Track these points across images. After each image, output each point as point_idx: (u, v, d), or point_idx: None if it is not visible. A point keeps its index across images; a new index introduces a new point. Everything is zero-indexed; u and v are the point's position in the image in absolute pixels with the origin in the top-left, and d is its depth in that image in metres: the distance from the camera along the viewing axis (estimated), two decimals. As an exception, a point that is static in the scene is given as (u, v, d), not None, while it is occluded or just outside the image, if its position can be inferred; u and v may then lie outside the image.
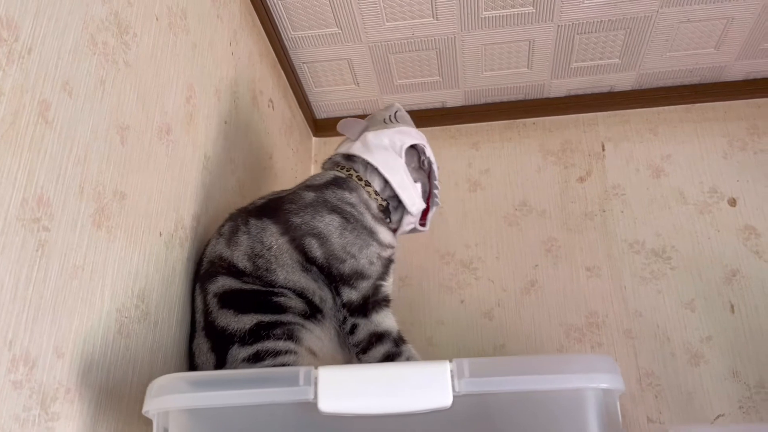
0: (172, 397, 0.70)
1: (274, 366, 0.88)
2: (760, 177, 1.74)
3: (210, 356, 0.94)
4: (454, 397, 0.68)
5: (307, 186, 1.08)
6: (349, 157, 1.08)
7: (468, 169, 1.88)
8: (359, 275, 0.97)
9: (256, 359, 0.89)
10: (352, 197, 1.03)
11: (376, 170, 1.05)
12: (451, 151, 1.92)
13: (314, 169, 1.95)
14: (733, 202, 1.73)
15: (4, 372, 0.65)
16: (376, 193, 1.05)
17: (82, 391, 0.77)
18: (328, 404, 0.67)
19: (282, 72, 1.70)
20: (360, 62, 1.75)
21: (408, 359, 0.93)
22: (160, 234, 0.99)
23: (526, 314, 1.69)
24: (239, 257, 1.01)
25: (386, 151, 1.04)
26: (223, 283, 0.99)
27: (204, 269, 1.04)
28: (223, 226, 1.09)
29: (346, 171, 1.07)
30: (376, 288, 0.98)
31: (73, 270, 0.77)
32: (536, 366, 0.70)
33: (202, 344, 0.97)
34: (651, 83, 1.86)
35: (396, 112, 1.13)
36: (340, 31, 1.64)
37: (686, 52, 1.74)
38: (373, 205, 1.05)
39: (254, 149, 1.45)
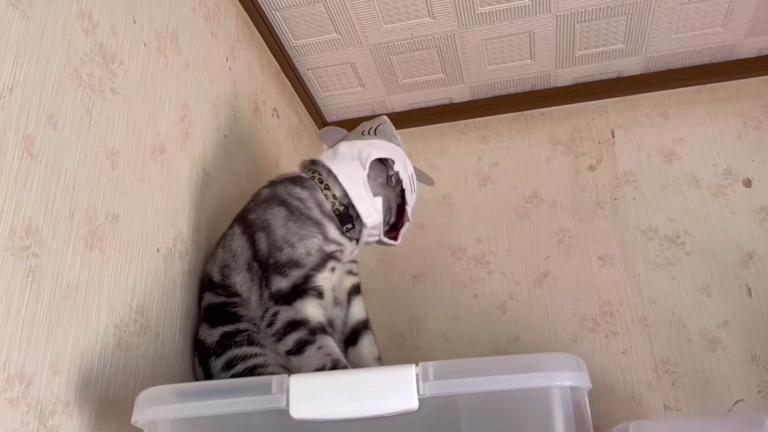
0: (158, 408, 0.75)
1: (245, 369, 0.94)
2: (775, 155, 1.70)
3: (199, 370, 1.02)
4: (420, 399, 0.71)
5: (267, 183, 1.11)
6: (315, 162, 1.11)
7: (477, 163, 1.89)
8: (294, 264, 0.98)
9: (229, 367, 0.96)
10: (303, 193, 1.05)
11: (336, 178, 1.05)
12: (460, 146, 1.93)
13: (327, 172, 1.98)
14: (748, 183, 1.69)
15: (-1, 391, 0.70)
16: (334, 197, 1.05)
17: (81, 404, 0.82)
18: (299, 411, 0.71)
19: (287, 80, 1.74)
20: (363, 65, 1.78)
21: (320, 348, 0.91)
22: (158, 250, 1.04)
23: (540, 306, 1.69)
24: (215, 271, 1.08)
25: (351, 162, 1.04)
26: (208, 298, 1.08)
27: (200, 287, 1.12)
28: None
29: (311, 173, 1.09)
30: (307, 277, 0.98)
31: (67, 291, 0.82)
32: (501, 366, 0.72)
33: (196, 358, 1.05)
34: (659, 66, 1.83)
35: (378, 125, 1.12)
36: (339, 37, 1.67)
37: (692, 33, 1.70)
38: (327, 206, 1.05)
39: (258, 159, 1.50)
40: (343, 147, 1.07)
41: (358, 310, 1.08)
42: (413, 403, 0.70)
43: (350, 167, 1.04)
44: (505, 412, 0.74)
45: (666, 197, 1.73)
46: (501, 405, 0.73)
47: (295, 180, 1.07)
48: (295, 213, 1.02)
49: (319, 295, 0.99)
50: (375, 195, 1.05)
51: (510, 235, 1.79)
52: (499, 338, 1.68)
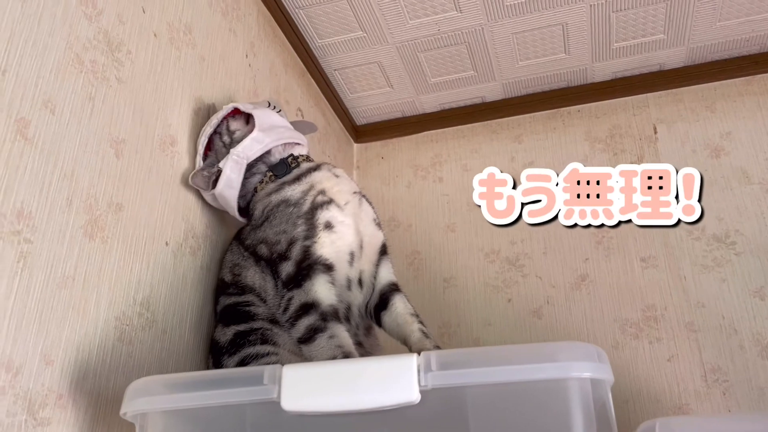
0: (146, 399, 0.71)
1: (258, 368, 0.90)
2: (834, 148, 1.58)
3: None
4: (422, 391, 0.65)
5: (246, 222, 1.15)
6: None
7: (511, 163, 1.82)
8: (290, 242, 0.99)
9: (242, 366, 0.92)
10: (258, 207, 1.08)
11: (241, 183, 1.09)
12: (492, 146, 1.86)
13: (356, 175, 1.95)
14: (804, 178, 1.57)
15: (-16, 379, 0.68)
16: (264, 181, 1.09)
17: (76, 397, 0.79)
18: (291, 403, 0.66)
19: (312, 81, 1.71)
20: (390, 64, 1.74)
21: (331, 338, 0.88)
22: (167, 243, 1.01)
23: (578, 311, 1.60)
24: (226, 272, 1.08)
25: (225, 180, 1.07)
26: (222, 301, 1.06)
27: (215, 293, 1.11)
28: None
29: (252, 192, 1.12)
30: (306, 250, 0.97)
31: (62, 280, 0.79)
32: (512, 356, 0.66)
33: (210, 359, 1.02)
34: (704, 57, 1.73)
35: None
36: (365, 35, 1.63)
37: (738, 20, 1.60)
38: (271, 186, 1.08)
39: (281, 158, 1.46)
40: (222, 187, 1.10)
41: (386, 273, 1.07)
42: (414, 396, 0.64)
43: (228, 179, 1.08)
44: (517, 407, 0.67)
45: (714, 194, 1.62)
46: (513, 399, 0.67)
47: (248, 211, 1.12)
48: (269, 216, 1.05)
49: (327, 268, 0.97)
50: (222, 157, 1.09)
51: (546, 236, 1.70)
52: (534, 344, 1.59)
